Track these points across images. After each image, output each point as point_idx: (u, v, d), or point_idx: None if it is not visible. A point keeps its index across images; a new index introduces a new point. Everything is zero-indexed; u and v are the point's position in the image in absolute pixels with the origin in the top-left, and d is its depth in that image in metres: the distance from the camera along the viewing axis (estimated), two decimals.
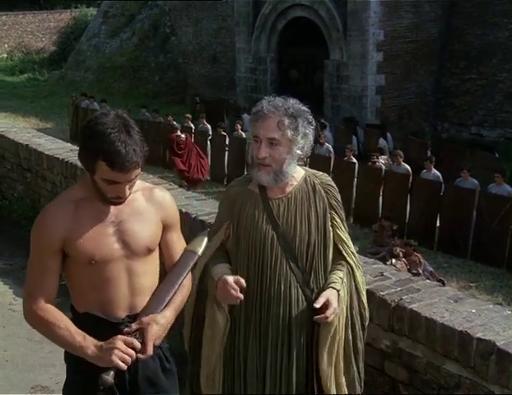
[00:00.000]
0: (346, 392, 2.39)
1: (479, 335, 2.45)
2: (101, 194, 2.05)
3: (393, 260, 7.67)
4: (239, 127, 14.72)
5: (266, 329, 2.31)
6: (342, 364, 2.36)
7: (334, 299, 2.29)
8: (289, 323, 2.31)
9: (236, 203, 2.37)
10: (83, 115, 17.41)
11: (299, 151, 2.30)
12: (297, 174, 2.37)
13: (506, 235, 9.26)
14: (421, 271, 7.53)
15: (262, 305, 2.31)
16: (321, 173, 2.47)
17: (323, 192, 2.37)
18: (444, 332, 2.55)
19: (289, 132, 2.25)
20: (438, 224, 10.15)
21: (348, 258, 2.40)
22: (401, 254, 7.96)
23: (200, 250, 2.23)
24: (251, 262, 2.32)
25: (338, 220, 2.39)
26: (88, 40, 27.89)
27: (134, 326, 2.06)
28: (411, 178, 10.76)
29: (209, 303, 2.36)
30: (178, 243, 2.26)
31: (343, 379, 2.37)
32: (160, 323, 2.08)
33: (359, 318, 2.41)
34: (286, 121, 2.25)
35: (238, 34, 19.85)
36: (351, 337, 2.38)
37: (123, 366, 1.96)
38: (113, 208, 2.08)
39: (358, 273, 2.42)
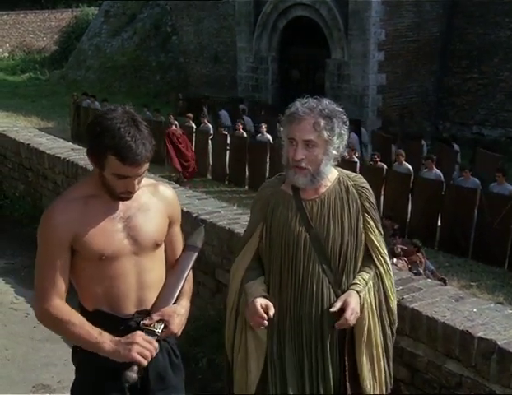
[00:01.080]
0: (384, 391, 2.40)
1: (480, 334, 2.44)
2: (110, 190, 2.05)
3: (395, 259, 7.67)
4: (240, 126, 14.72)
5: (300, 331, 2.32)
6: (382, 362, 2.37)
7: (352, 300, 2.28)
8: (321, 323, 2.31)
9: (269, 204, 2.37)
10: (84, 114, 17.42)
11: (334, 152, 2.29)
12: (331, 175, 2.36)
13: (507, 235, 9.25)
14: (421, 271, 7.53)
15: (294, 307, 2.32)
16: (355, 174, 2.46)
17: (356, 193, 2.36)
18: (445, 332, 2.55)
19: (325, 133, 2.24)
20: (439, 223, 10.15)
21: (378, 263, 2.38)
22: (402, 253, 7.96)
23: (200, 244, 2.32)
24: (284, 263, 2.33)
25: (372, 222, 2.37)
26: (89, 40, 27.90)
27: (155, 317, 2.09)
28: (412, 177, 10.77)
29: (243, 319, 2.38)
30: (179, 237, 2.30)
31: (382, 377, 2.39)
32: (181, 313, 2.15)
33: (388, 320, 2.40)
34: (322, 122, 2.24)
35: (239, 33, 19.84)
36: (381, 337, 2.38)
37: (144, 362, 1.98)
38: (121, 204, 2.09)
39: (387, 278, 2.39)
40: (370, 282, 2.35)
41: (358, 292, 2.31)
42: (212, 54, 23.43)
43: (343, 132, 2.30)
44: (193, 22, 24.24)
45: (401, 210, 10.29)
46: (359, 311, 2.30)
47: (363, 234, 2.35)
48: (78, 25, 32.22)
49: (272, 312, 2.27)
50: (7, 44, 33.63)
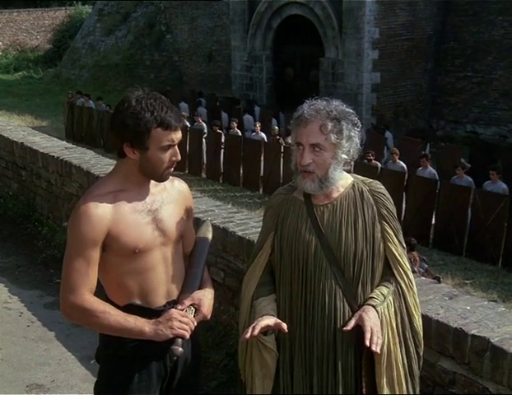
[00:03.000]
0: None
1: (474, 332, 2.45)
2: (155, 171, 2.10)
3: None
4: (235, 125, 14.72)
5: (311, 346, 2.18)
6: (404, 386, 2.19)
7: (369, 315, 2.11)
8: (334, 340, 2.16)
9: (280, 212, 2.27)
10: (78, 113, 17.39)
11: (344, 156, 2.17)
12: (345, 180, 2.24)
13: (501, 233, 9.28)
14: (416, 269, 7.55)
15: (306, 320, 2.18)
16: (371, 180, 2.32)
17: (371, 199, 2.22)
18: (439, 329, 2.55)
19: (332, 136, 2.13)
20: (433, 221, 10.17)
21: (399, 278, 2.21)
22: None
23: (210, 236, 2.40)
24: (294, 273, 2.20)
25: (390, 231, 2.22)
26: (83, 38, 27.83)
27: (187, 302, 2.15)
28: (406, 175, 10.80)
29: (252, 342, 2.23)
30: (192, 230, 2.37)
31: None
32: (209, 298, 2.22)
33: (412, 341, 2.23)
34: (329, 124, 2.13)
35: (233, 32, 19.84)
36: (405, 358, 2.20)
37: (186, 334, 2.05)
38: (148, 198, 2.15)
39: (409, 295, 2.22)
40: (390, 298, 2.18)
41: (374, 307, 2.13)
42: (207, 53, 23.42)
43: (353, 134, 2.17)
44: (187, 21, 24.22)
45: (395, 208, 10.30)
46: (379, 325, 2.11)
47: (381, 244, 2.21)
48: (72, 24, 32.17)
49: (284, 327, 2.13)
50: (0, 43, 33.50)
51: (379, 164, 11.51)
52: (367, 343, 2.04)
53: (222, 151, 13.67)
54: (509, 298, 7.87)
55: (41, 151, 6.12)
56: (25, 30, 34.17)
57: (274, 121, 15.88)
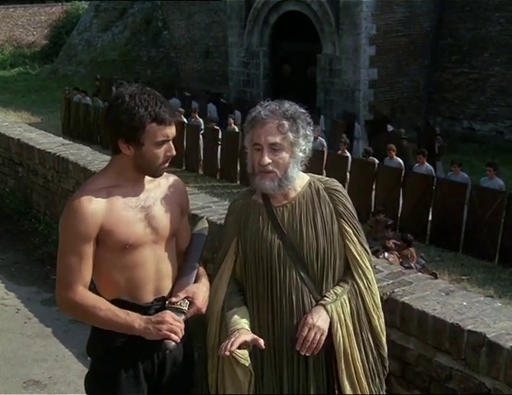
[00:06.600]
0: None
1: (470, 327, 2.45)
2: (150, 167, 2.10)
3: (386, 253, 7.69)
4: (231, 121, 14.71)
5: (280, 347, 2.19)
6: (364, 383, 2.23)
7: (310, 318, 2.14)
8: None
9: (241, 216, 2.29)
10: (75, 110, 17.36)
11: (301, 154, 2.20)
12: (301, 179, 2.27)
13: (498, 229, 9.30)
14: (413, 265, 7.56)
15: (274, 321, 2.20)
16: (327, 178, 2.35)
17: (327, 197, 2.25)
18: (435, 325, 2.56)
19: (291, 135, 2.16)
20: (430, 217, 10.19)
21: (357, 277, 2.23)
22: (393, 247, 7.98)
23: (206, 232, 2.41)
24: (259, 276, 2.22)
25: (349, 229, 2.24)
26: (79, 34, 27.76)
27: (181, 294, 2.15)
28: (403, 172, 10.80)
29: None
30: (188, 227, 2.37)
31: None
32: (204, 291, 2.22)
33: (371, 341, 2.26)
34: (286, 123, 2.16)
35: (230, 28, 19.79)
36: (364, 357, 2.24)
37: (177, 338, 2.04)
38: (142, 194, 2.15)
39: (368, 295, 2.24)
40: (344, 296, 2.20)
41: (324, 306, 2.16)
42: (203, 49, 23.37)
43: (308, 133, 2.21)
44: (184, 17, 24.16)
45: (392, 204, 10.31)
46: (323, 325, 2.14)
47: (340, 242, 2.24)
48: (68, 20, 32.09)
49: (261, 343, 2.11)
50: None
51: (376, 161, 11.50)
52: (297, 347, 2.12)
53: (219, 147, 13.65)
54: (505, 294, 7.90)
55: (38, 147, 6.11)
56: (22, 26, 34.04)
57: None
